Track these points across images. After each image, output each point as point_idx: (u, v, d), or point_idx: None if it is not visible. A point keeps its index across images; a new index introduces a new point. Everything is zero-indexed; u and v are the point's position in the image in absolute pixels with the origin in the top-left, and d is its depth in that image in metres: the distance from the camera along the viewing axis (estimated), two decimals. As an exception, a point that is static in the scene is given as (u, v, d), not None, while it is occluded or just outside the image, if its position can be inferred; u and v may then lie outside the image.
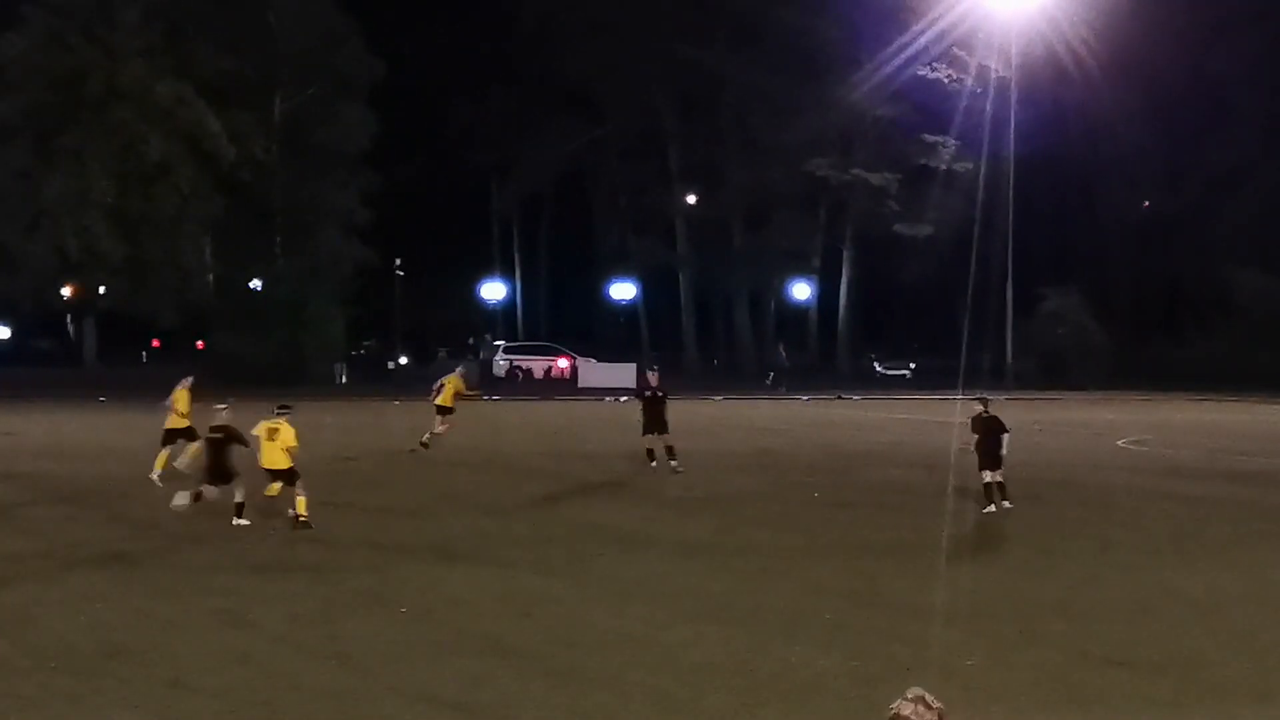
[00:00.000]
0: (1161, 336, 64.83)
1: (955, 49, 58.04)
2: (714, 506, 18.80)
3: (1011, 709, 9.08)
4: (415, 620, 11.46)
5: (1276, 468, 25.08)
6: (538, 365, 60.85)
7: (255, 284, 60.56)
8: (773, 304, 74.06)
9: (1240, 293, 60.04)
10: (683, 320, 72.66)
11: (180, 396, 21.04)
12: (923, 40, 56.67)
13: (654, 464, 22.57)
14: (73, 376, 55.41)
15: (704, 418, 36.04)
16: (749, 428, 34.08)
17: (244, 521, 16.24)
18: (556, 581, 13.23)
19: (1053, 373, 58.65)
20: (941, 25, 55.96)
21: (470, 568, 14.02)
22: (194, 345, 65.28)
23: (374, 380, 59.05)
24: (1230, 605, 12.39)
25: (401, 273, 67.22)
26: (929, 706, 4.31)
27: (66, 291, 59.81)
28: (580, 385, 54.39)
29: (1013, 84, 58.00)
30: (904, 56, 57.37)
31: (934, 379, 56.47)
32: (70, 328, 68.46)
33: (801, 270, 71.54)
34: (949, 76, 59.00)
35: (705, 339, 73.62)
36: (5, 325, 76.70)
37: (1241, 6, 59.30)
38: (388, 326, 70.66)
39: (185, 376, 21.63)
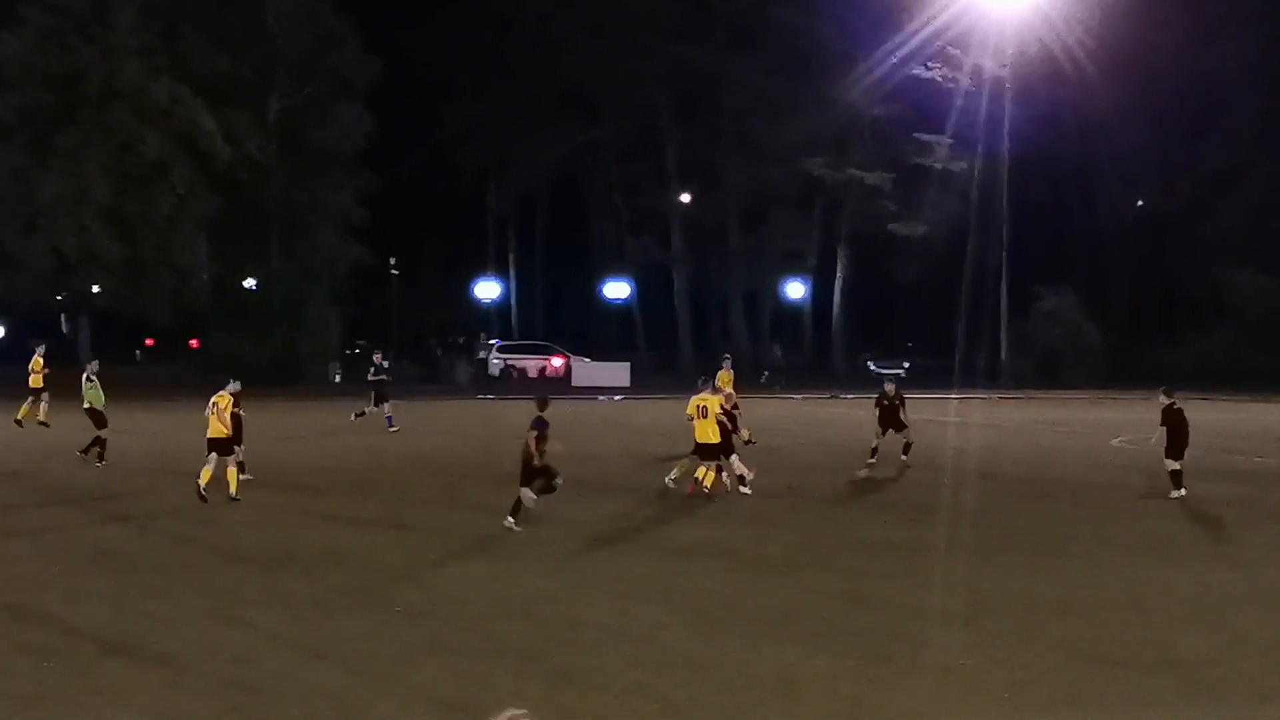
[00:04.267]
0: (1156, 335, 64.78)
1: (950, 48, 57.97)
2: (710, 506, 18.79)
3: (1008, 709, 9.09)
4: (412, 619, 11.47)
5: (1272, 466, 25.10)
6: (532, 364, 60.86)
7: (251, 283, 60.50)
8: (768, 303, 74.04)
9: (1235, 292, 60.00)
10: (678, 319, 72.59)
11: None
12: (918, 39, 56.61)
13: (873, 460, 22.44)
14: (67, 375, 55.12)
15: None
16: (744, 427, 33.97)
17: (746, 490, 19.07)
18: (554, 581, 13.24)
19: (1048, 372, 58.63)
20: (936, 24, 55.88)
21: (468, 567, 14.03)
22: (188, 344, 65.21)
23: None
24: (1228, 604, 12.41)
25: (396, 272, 67.15)
26: None
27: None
28: (574, 384, 54.41)
29: (1007, 83, 58.04)
30: (899, 56, 57.30)
31: (929, 378, 56.44)
32: (65, 326, 68.24)
33: (796, 269, 71.51)
34: (944, 76, 58.96)
35: (700, 338, 73.57)
36: (1, 324, 76.46)
37: (1237, 6, 59.26)
38: (383, 326, 70.51)
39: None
